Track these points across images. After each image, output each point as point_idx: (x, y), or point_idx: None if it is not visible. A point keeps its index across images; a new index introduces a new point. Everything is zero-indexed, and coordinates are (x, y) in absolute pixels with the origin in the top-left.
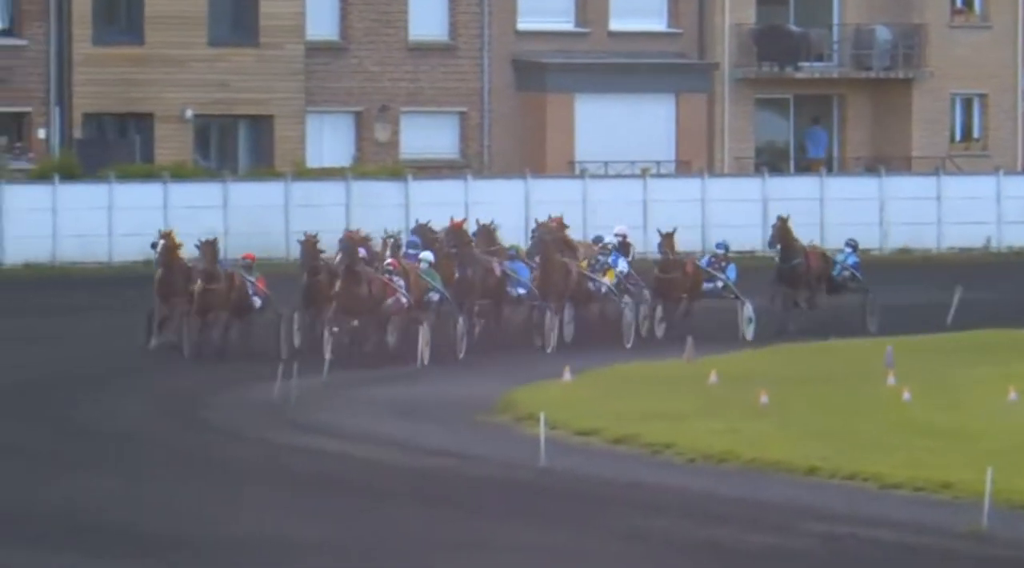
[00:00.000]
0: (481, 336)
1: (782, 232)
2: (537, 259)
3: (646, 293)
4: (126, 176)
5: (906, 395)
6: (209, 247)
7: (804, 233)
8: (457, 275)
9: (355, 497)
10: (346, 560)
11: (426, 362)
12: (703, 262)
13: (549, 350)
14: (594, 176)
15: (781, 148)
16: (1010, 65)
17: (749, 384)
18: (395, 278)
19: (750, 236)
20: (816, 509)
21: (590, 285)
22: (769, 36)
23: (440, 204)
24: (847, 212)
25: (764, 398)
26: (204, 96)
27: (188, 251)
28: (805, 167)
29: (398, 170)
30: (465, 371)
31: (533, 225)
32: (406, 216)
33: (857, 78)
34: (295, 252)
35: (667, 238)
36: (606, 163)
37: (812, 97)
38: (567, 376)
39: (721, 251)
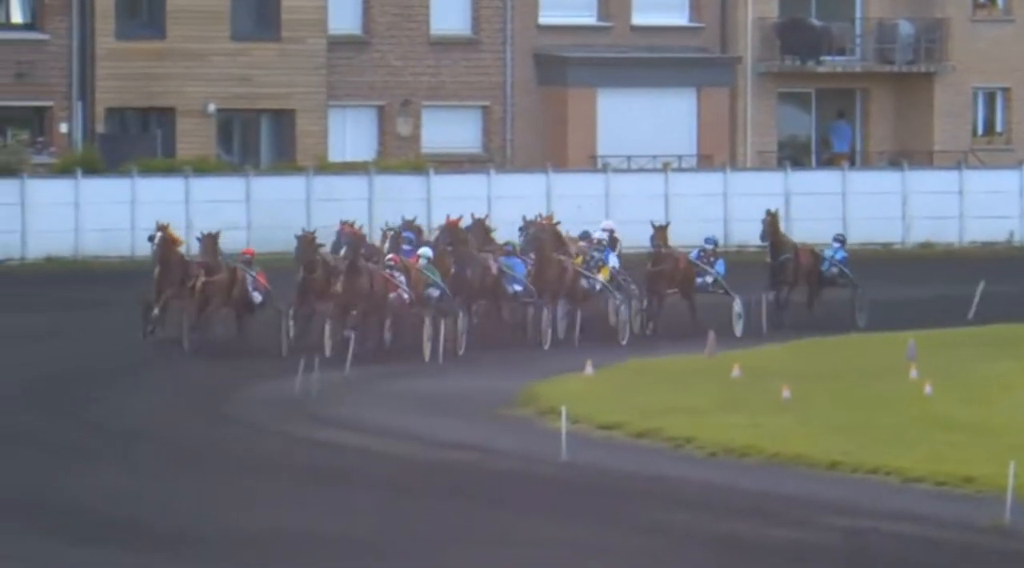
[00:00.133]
0: (478, 333)
1: (771, 228)
2: (532, 255)
3: (633, 288)
4: (148, 170)
5: (928, 389)
6: (210, 240)
7: (827, 228)
8: (453, 272)
9: (376, 491)
10: (368, 554)
11: (427, 358)
12: (691, 256)
13: (546, 347)
14: (616, 170)
15: (803, 142)
16: None
17: (771, 378)
18: (396, 274)
19: None
20: (838, 503)
21: (584, 282)
22: (791, 30)
23: (462, 198)
24: (869, 206)
25: (786, 392)
26: (226, 90)
27: (192, 245)
28: (830, 161)
29: (420, 164)
30: (484, 366)
31: (521, 224)
32: (428, 210)
33: (879, 72)
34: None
35: (660, 231)
36: (628, 157)
37: (834, 91)
38: (589, 370)
39: (710, 246)
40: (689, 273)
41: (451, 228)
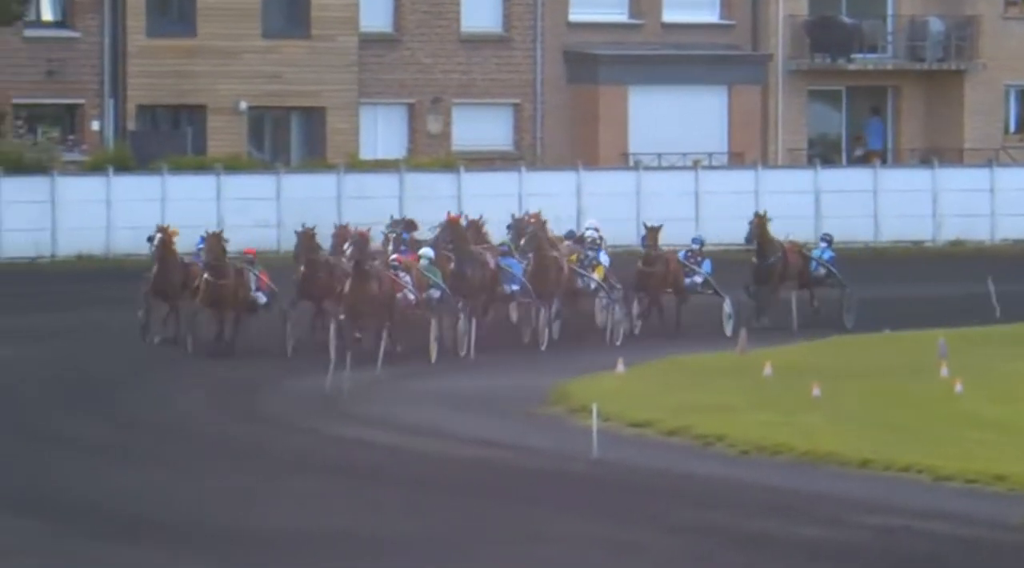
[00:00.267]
0: (494, 332)
1: (759, 229)
2: (530, 255)
3: (618, 287)
4: (179, 168)
5: (958, 387)
6: (215, 240)
7: (857, 225)
8: (453, 271)
9: (407, 488)
10: (399, 552)
11: (433, 360)
12: (680, 256)
13: (543, 347)
14: (647, 168)
15: (833, 140)
16: None
17: (801, 376)
18: (401, 274)
19: (803, 228)
20: (869, 501)
21: (579, 281)
22: (822, 28)
23: (493, 196)
24: (900, 204)
25: (816, 390)
26: (257, 88)
27: (185, 244)
28: (864, 158)
29: (451, 162)
30: (511, 365)
31: (509, 221)
32: (459, 208)
33: (910, 70)
34: None
35: (652, 232)
36: (659, 155)
37: (865, 89)
38: (620, 368)
39: (696, 246)
40: (679, 274)
41: (452, 225)
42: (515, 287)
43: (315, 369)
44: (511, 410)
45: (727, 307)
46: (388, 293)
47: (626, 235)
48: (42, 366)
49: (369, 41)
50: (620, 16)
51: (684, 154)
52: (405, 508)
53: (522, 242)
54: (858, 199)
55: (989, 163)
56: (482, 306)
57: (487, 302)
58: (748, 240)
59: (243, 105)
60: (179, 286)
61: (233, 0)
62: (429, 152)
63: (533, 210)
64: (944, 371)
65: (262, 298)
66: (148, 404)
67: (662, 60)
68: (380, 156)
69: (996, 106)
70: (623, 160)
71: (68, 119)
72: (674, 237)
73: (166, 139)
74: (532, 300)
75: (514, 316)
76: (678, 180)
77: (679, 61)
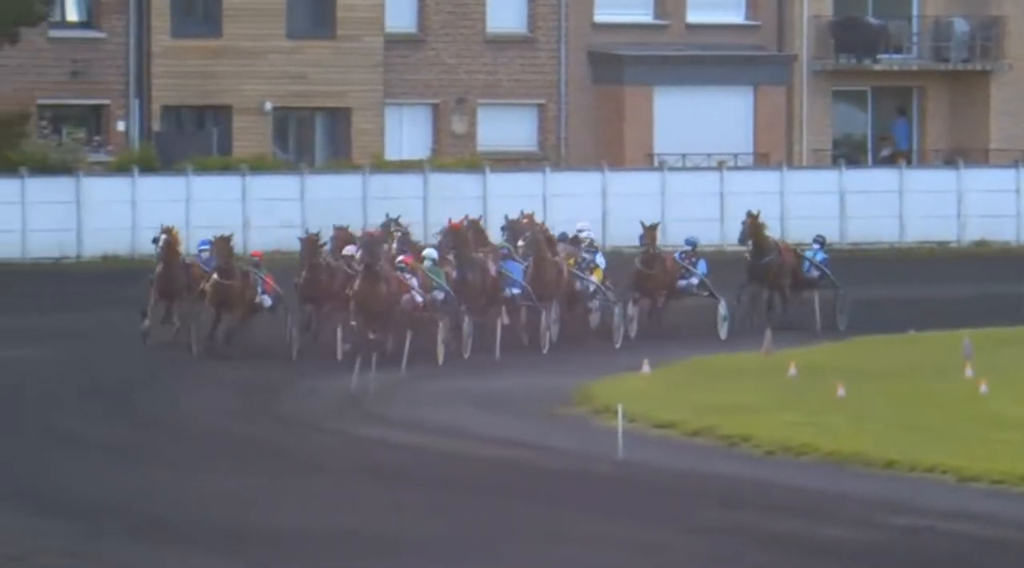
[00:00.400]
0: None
1: (753, 229)
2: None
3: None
4: (204, 169)
5: (983, 388)
6: (223, 243)
7: (882, 226)
8: (455, 275)
9: (431, 489)
10: (422, 552)
11: (440, 362)
12: (675, 256)
13: (545, 351)
14: (672, 169)
15: (859, 140)
16: None
17: (826, 377)
18: (407, 275)
19: (828, 228)
20: (894, 502)
21: (578, 284)
22: (847, 28)
23: (517, 196)
24: (925, 204)
25: (841, 391)
26: (282, 88)
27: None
28: (890, 159)
29: (476, 162)
30: (529, 366)
31: (503, 222)
32: (484, 208)
33: (935, 70)
34: None
35: (650, 231)
36: (684, 155)
37: (890, 89)
38: (645, 369)
39: (689, 247)
40: (674, 275)
41: (454, 231)
42: (516, 291)
43: (327, 371)
44: (534, 411)
45: (722, 309)
46: (396, 295)
47: None
48: (64, 366)
49: (394, 41)
50: (645, 17)
51: (709, 155)
52: (428, 508)
53: (520, 243)
54: (883, 200)
55: (1015, 164)
56: (484, 310)
57: (489, 306)
58: (742, 240)
59: (268, 106)
60: (182, 287)
61: (258, 0)
62: (453, 153)
63: (527, 211)
64: (969, 371)
65: (268, 301)
66: (170, 405)
67: (687, 61)
68: (405, 157)
69: (1022, 106)
70: (648, 161)
71: (93, 120)
72: (701, 238)
73: (191, 140)
74: (534, 303)
75: (506, 319)
76: (703, 181)
77: (704, 62)
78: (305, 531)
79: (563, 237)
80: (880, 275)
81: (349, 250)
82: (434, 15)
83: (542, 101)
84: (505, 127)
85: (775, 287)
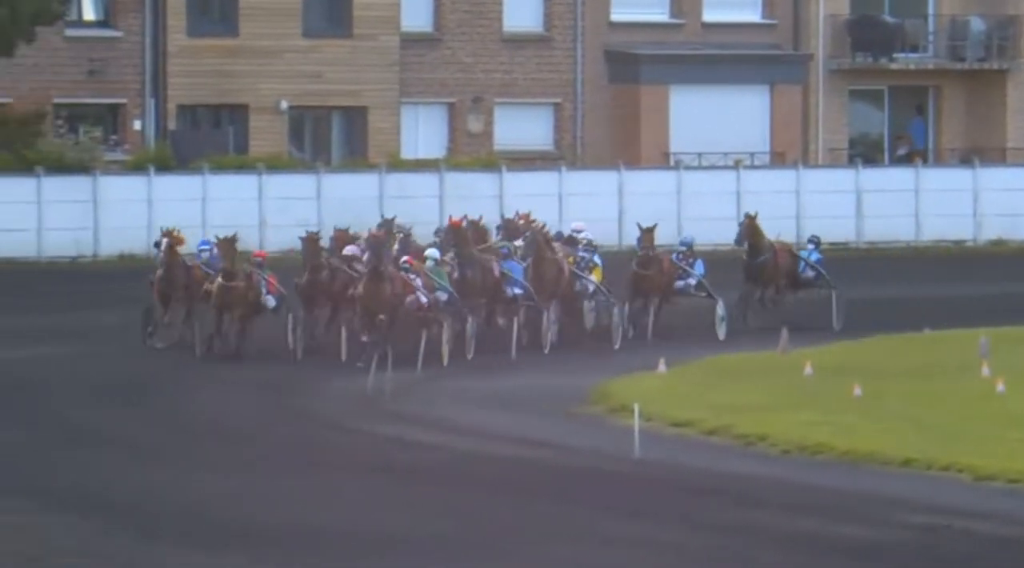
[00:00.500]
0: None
1: (750, 229)
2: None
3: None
4: (220, 167)
5: (1000, 387)
6: (227, 245)
7: (898, 225)
8: (457, 275)
9: (448, 487)
10: (439, 551)
11: (445, 362)
12: (672, 257)
13: (546, 351)
14: (688, 168)
15: (875, 139)
16: None
17: (842, 376)
18: (412, 275)
19: (844, 227)
20: (911, 501)
21: (578, 284)
22: (864, 27)
23: (533, 195)
24: (941, 203)
25: (857, 390)
26: (298, 87)
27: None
28: (907, 158)
29: (492, 161)
30: (542, 364)
31: (499, 222)
32: (500, 207)
33: (951, 69)
34: None
35: (647, 233)
36: (700, 154)
37: (906, 88)
38: (662, 368)
39: (684, 247)
40: (671, 275)
41: (455, 229)
42: (518, 290)
43: (333, 371)
44: (551, 410)
45: (719, 310)
46: (401, 295)
47: (667, 235)
48: (80, 364)
49: (410, 40)
50: (661, 16)
51: (725, 154)
52: (445, 507)
53: (517, 243)
54: (899, 199)
55: None
56: (487, 309)
57: (491, 305)
58: (738, 242)
59: (284, 104)
60: (182, 289)
61: (274, 0)
62: (469, 152)
63: (523, 210)
64: (986, 370)
65: (271, 302)
66: (189, 404)
67: (703, 60)
68: (421, 156)
69: None
70: (664, 160)
71: (109, 119)
72: (717, 236)
73: (207, 139)
74: (535, 303)
75: (500, 320)
76: (719, 180)
77: (720, 61)
78: (324, 529)
79: (559, 237)
80: (896, 274)
81: (349, 250)
82: (450, 14)
83: (558, 100)
84: (521, 126)
85: (769, 287)
